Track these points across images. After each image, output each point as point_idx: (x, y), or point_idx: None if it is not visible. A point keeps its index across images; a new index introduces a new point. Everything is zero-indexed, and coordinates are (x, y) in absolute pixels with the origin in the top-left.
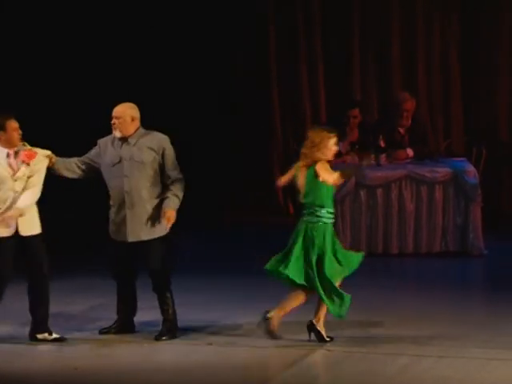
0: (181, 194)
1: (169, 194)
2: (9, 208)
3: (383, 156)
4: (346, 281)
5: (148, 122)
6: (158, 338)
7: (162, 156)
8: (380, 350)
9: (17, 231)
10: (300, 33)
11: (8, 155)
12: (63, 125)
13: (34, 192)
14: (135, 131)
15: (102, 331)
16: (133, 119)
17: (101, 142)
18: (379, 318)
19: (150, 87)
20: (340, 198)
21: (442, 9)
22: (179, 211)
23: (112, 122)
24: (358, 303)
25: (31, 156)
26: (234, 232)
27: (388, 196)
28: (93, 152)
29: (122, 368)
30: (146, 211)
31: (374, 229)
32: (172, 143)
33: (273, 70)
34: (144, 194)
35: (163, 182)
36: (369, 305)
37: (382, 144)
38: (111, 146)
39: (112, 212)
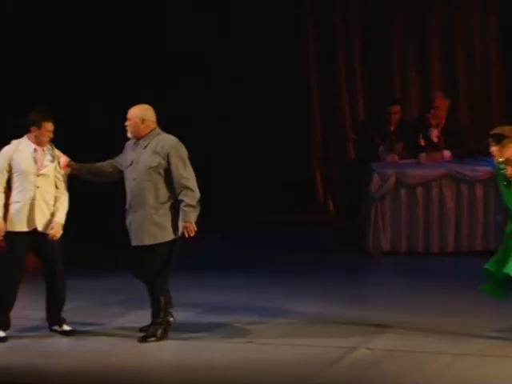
0: (194, 202)
1: (182, 206)
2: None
3: (423, 155)
4: (388, 280)
5: (190, 124)
6: (141, 340)
7: (168, 161)
8: (421, 348)
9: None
10: (338, 33)
11: (35, 150)
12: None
13: (66, 201)
14: (148, 133)
15: (143, 329)
16: (143, 121)
17: (127, 143)
18: (420, 317)
19: (194, 90)
20: (380, 196)
21: (482, 10)
22: (218, 211)
23: (125, 123)
24: (398, 302)
25: (65, 167)
26: (274, 231)
27: (428, 195)
28: (121, 154)
29: (159, 366)
30: (149, 216)
31: (415, 227)
32: (211, 144)
33: (312, 71)
34: (149, 199)
35: (175, 189)
36: (410, 304)
37: (422, 143)
38: (131, 147)
39: (126, 215)
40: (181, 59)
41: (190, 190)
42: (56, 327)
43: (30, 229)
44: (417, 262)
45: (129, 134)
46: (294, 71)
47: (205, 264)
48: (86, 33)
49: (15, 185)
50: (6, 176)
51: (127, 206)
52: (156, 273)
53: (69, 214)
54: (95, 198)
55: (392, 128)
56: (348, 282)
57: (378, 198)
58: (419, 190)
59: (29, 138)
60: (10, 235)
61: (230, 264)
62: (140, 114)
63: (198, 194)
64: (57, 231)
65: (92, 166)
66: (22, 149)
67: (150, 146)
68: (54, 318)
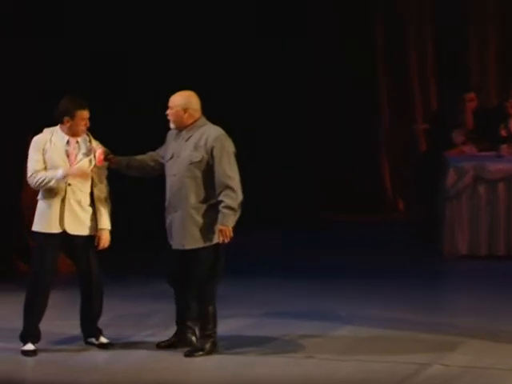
0: (235, 204)
1: (221, 208)
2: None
3: (504, 146)
4: (465, 286)
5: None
6: (188, 354)
7: (212, 156)
8: (500, 365)
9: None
10: (410, 21)
11: (68, 142)
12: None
13: (108, 201)
14: (191, 124)
15: (160, 345)
16: (186, 110)
17: (169, 133)
18: (500, 330)
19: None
20: (456, 193)
21: None
22: (279, 211)
23: (167, 112)
24: (476, 312)
25: (101, 161)
26: (338, 232)
27: (510, 191)
28: (163, 146)
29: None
30: (191, 217)
31: (495, 227)
32: (274, 141)
33: (380, 61)
34: (190, 198)
35: (215, 188)
36: (489, 315)
37: (504, 133)
38: (173, 138)
39: (165, 214)
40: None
41: (232, 190)
42: (92, 339)
43: (59, 231)
44: (498, 267)
45: (171, 125)
46: (361, 62)
47: (263, 267)
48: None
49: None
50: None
51: (166, 204)
52: (203, 281)
53: None
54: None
55: (467, 117)
56: (420, 288)
57: (453, 194)
58: (500, 186)
59: (62, 129)
60: (38, 236)
61: (289, 268)
62: (182, 102)
63: (240, 196)
64: (106, 240)
65: (132, 160)
66: (55, 140)
67: (192, 139)
68: (90, 328)
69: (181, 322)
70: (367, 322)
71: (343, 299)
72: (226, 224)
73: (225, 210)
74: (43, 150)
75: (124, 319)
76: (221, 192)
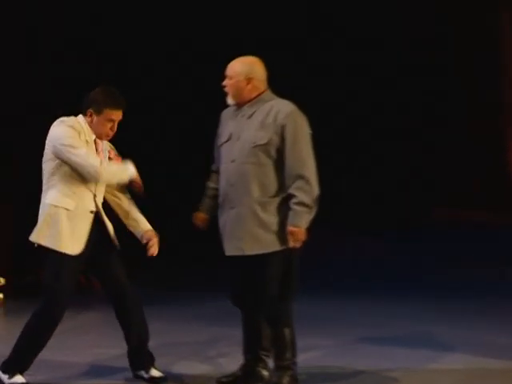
0: (309, 199)
1: (292, 204)
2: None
3: None
4: None
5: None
6: None
7: (282, 137)
8: None
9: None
10: None
11: (95, 142)
12: None
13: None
14: (255, 97)
15: (221, 381)
16: (249, 80)
17: (224, 113)
18: None
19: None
20: None
21: None
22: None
23: (223, 83)
24: None
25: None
26: (461, 232)
27: None
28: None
29: None
30: (254, 214)
31: None
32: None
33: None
34: (253, 190)
35: (284, 178)
36: None
37: None
38: (230, 117)
39: (218, 213)
40: None
41: (307, 181)
42: (141, 372)
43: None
44: None
45: (228, 99)
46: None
47: (354, 280)
48: None
49: (72, 175)
50: None
51: (220, 200)
52: (273, 297)
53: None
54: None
55: None
56: None
57: None
58: None
59: (86, 122)
60: (57, 255)
61: (387, 281)
62: (245, 70)
63: (316, 190)
64: (156, 243)
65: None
66: (87, 132)
67: (257, 115)
68: (137, 358)
69: (249, 351)
70: (481, 351)
71: (451, 321)
72: (298, 224)
73: (297, 207)
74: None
75: (175, 347)
76: (292, 184)
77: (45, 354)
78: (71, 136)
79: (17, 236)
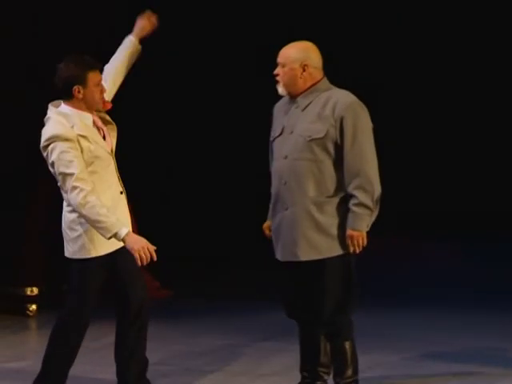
0: (370, 201)
1: (351, 205)
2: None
3: None
4: None
5: None
6: None
7: (340, 130)
8: None
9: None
10: None
11: (94, 122)
12: None
13: None
14: (310, 87)
15: None
16: (304, 68)
17: (276, 106)
18: None
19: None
20: None
21: None
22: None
23: (275, 71)
24: None
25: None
26: None
27: None
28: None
29: None
30: (309, 215)
31: None
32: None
33: None
34: (308, 189)
35: (343, 176)
36: None
37: None
38: (283, 109)
39: (271, 215)
40: None
41: (367, 181)
42: None
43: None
44: None
45: (280, 89)
46: None
47: (421, 289)
48: None
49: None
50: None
51: (273, 201)
52: (332, 308)
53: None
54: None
55: None
56: None
57: None
58: None
59: (74, 106)
60: (84, 263)
61: (458, 291)
62: (300, 57)
63: (377, 190)
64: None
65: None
66: (78, 123)
67: (312, 107)
68: (139, 374)
69: (307, 368)
70: None
71: None
72: (359, 228)
73: (357, 209)
74: (81, 148)
75: (226, 363)
76: (351, 182)
77: (75, 371)
78: (65, 150)
79: (49, 244)
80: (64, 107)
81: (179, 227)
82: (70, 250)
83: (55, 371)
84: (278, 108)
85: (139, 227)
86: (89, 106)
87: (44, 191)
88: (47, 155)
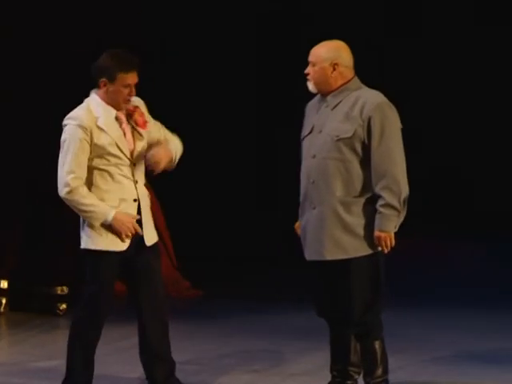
0: (397, 201)
1: (379, 206)
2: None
3: None
4: None
5: None
6: None
7: (368, 130)
8: None
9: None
10: None
11: (117, 118)
12: None
13: None
14: (340, 86)
15: None
16: (335, 66)
17: (308, 105)
18: None
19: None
20: None
21: None
22: None
23: (306, 70)
24: None
25: (144, 123)
26: None
27: None
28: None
29: None
30: (336, 215)
31: None
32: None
33: None
34: (336, 188)
35: (370, 177)
36: None
37: None
38: (314, 108)
39: (299, 214)
40: None
41: (395, 181)
42: None
43: (126, 247)
44: None
45: (310, 87)
46: None
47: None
48: None
49: (96, 178)
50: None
51: (301, 200)
52: (361, 307)
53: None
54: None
55: None
56: None
57: None
58: None
59: (101, 97)
60: (96, 255)
61: (487, 293)
62: (330, 56)
63: (405, 191)
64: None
65: None
66: (103, 116)
67: (342, 106)
68: (168, 375)
69: (337, 367)
70: None
71: None
72: (386, 229)
73: (384, 210)
74: (91, 134)
75: (257, 362)
76: (378, 183)
77: (104, 370)
78: (71, 141)
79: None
80: (94, 96)
81: (208, 227)
82: (83, 241)
83: (78, 367)
84: (310, 107)
85: (167, 226)
86: (110, 102)
87: None
88: (62, 134)
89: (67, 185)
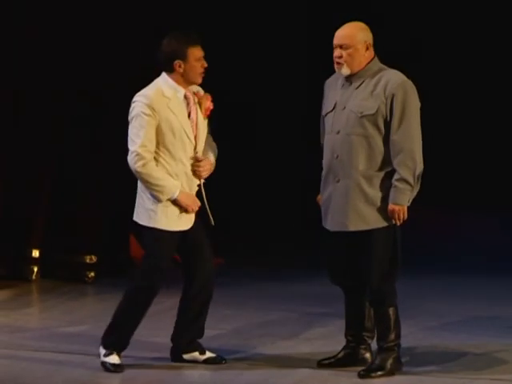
0: (411, 176)
1: (394, 180)
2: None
3: None
4: None
5: None
6: (363, 375)
7: (390, 107)
8: None
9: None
10: None
11: (186, 97)
12: None
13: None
14: (366, 65)
15: (322, 363)
16: (368, 47)
17: (327, 82)
18: None
19: None
20: None
21: None
22: None
23: (335, 54)
24: None
25: (208, 109)
26: None
27: None
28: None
29: None
30: (359, 188)
31: None
32: None
33: None
34: (359, 162)
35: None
36: None
37: None
38: (334, 86)
39: (321, 186)
40: None
41: (411, 157)
42: (194, 354)
43: (188, 227)
44: None
45: (344, 70)
46: None
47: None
48: None
49: (160, 157)
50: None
51: (324, 173)
52: (378, 275)
53: None
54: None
55: None
56: None
57: None
58: None
59: (173, 80)
60: (158, 233)
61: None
62: (363, 36)
63: (420, 167)
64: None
65: None
66: (173, 100)
67: (365, 85)
68: (192, 339)
69: (352, 332)
70: None
71: None
72: (400, 202)
73: (398, 184)
74: (159, 120)
75: (273, 327)
76: (396, 158)
77: (136, 335)
78: (142, 116)
79: (107, 212)
80: (166, 77)
81: (229, 194)
82: (141, 217)
83: (122, 328)
84: (329, 84)
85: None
86: (187, 80)
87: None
88: (131, 110)
89: (142, 158)
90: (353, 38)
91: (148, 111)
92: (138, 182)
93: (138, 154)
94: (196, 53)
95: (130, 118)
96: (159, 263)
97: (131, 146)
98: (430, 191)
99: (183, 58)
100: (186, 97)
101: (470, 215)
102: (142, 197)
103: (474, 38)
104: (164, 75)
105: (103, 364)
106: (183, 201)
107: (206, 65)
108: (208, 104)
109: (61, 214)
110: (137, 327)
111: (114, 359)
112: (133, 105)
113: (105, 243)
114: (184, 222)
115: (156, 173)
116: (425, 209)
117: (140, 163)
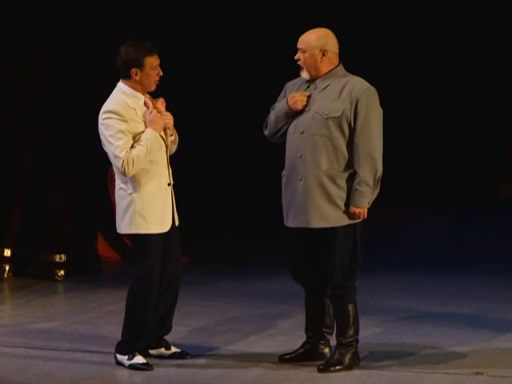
0: (371, 179)
1: (355, 183)
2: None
3: None
4: None
5: None
6: (322, 369)
7: (355, 112)
8: None
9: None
10: None
11: (145, 103)
12: None
13: None
14: (328, 71)
15: (283, 358)
16: (324, 53)
17: (288, 84)
18: None
19: None
20: None
21: None
22: None
23: (296, 56)
24: None
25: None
26: None
27: None
28: (278, 101)
29: None
30: (321, 186)
31: None
32: None
33: None
34: (322, 162)
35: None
36: None
37: None
38: (297, 88)
39: (282, 185)
40: None
41: (372, 160)
42: (160, 350)
43: (169, 227)
44: None
45: (304, 74)
46: None
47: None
48: None
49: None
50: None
51: (286, 173)
52: (338, 272)
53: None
54: None
55: None
56: None
57: None
58: None
59: (129, 87)
60: (144, 239)
61: (451, 260)
62: (319, 43)
63: (379, 169)
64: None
65: None
66: (138, 107)
67: (330, 89)
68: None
69: (311, 328)
70: None
71: None
72: (360, 205)
73: (359, 187)
74: (129, 126)
75: (237, 325)
76: (358, 161)
77: (96, 331)
78: (114, 128)
79: (76, 212)
80: (123, 86)
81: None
82: (128, 226)
83: (136, 328)
84: (291, 86)
85: None
86: (143, 87)
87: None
88: (103, 128)
89: (119, 159)
90: (308, 43)
91: (123, 127)
92: (116, 194)
93: (118, 161)
94: (152, 61)
95: (106, 134)
96: (153, 266)
97: (117, 162)
98: (383, 192)
99: (140, 66)
100: (145, 103)
101: (420, 215)
102: (122, 206)
103: (426, 44)
104: (120, 84)
105: (131, 367)
106: (158, 126)
107: (161, 73)
108: (163, 108)
109: (30, 215)
110: (152, 323)
111: (139, 359)
112: (105, 122)
113: (74, 242)
114: (167, 224)
115: (138, 154)
116: (379, 209)
117: (128, 167)
